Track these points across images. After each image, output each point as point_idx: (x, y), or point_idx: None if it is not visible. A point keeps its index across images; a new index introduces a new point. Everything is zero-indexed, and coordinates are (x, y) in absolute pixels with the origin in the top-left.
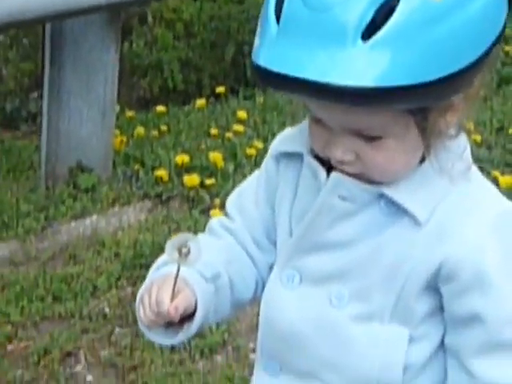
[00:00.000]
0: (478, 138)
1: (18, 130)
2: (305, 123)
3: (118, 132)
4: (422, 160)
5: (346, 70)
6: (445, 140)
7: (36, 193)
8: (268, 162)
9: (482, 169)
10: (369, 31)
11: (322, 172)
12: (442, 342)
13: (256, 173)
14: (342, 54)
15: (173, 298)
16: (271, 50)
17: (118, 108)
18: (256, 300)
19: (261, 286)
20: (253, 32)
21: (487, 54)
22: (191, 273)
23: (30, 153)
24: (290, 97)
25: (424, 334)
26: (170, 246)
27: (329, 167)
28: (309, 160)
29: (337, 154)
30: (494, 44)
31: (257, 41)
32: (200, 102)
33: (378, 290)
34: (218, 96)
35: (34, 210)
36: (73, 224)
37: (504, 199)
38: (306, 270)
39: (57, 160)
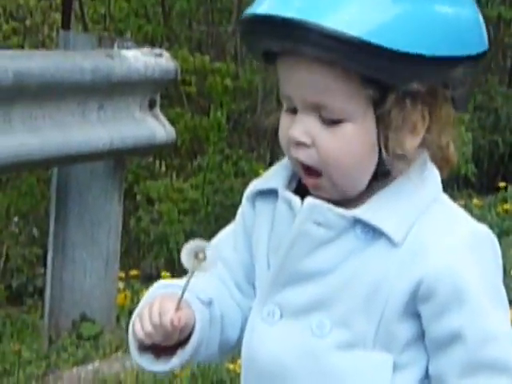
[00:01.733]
0: None
1: (23, 304)
2: (278, 164)
3: (121, 287)
4: (386, 176)
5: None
6: (402, 149)
7: (39, 342)
8: (243, 207)
9: None
10: None
11: (297, 200)
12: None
13: (232, 224)
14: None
15: (177, 309)
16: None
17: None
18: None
19: (245, 327)
20: None
21: (453, 62)
22: (193, 297)
23: (34, 320)
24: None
25: (408, 362)
26: (186, 250)
27: (302, 197)
28: (283, 192)
29: (295, 133)
30: (460, 60)
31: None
32: None
33: (359, 316)
34: None
35: (36, 358)
36: (74, 370)
37: (474, 221)
38: (286, 304)
39: (60, 313)
